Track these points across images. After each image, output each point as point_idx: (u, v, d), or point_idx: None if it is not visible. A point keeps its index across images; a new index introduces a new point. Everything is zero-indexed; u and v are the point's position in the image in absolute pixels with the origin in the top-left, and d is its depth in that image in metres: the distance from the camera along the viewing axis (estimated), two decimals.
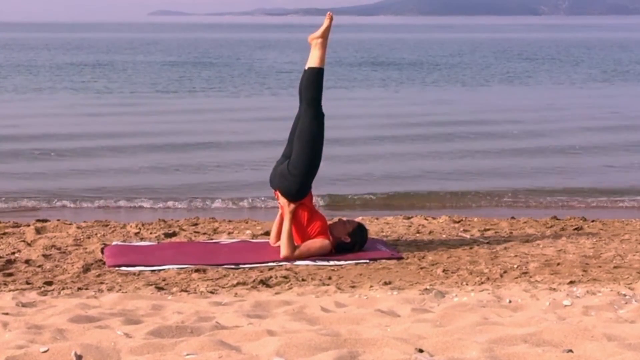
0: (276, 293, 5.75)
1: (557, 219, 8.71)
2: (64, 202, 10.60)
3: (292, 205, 6.89)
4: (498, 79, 31.55)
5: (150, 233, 7.81)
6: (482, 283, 6.02)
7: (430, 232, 7.99)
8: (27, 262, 6.66)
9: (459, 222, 8.54)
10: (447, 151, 14.72)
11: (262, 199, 10.67)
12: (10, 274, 6.29)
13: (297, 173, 6.89)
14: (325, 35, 7.07)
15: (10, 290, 5.74)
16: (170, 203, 10.67)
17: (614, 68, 37.15)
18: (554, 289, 5.74)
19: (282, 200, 6.94)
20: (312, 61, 7.05)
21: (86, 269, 6.45)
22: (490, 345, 4.03)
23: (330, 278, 6.28)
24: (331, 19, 7.13)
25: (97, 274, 6.35)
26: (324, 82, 7.08)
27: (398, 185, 11.88)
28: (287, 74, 33.25)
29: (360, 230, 7.10)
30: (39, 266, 6.54)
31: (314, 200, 7.29)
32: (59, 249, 7.10)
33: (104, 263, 6.66)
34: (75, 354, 3.85)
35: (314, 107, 6.98)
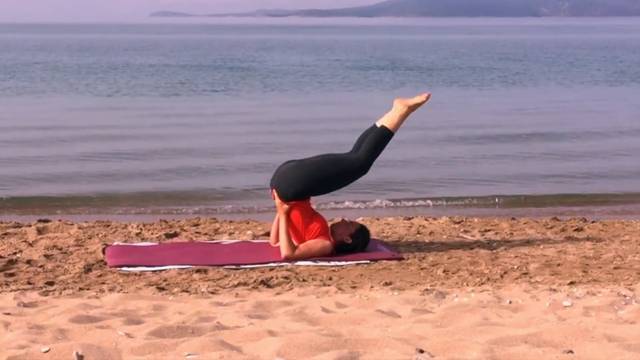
0: (277, 293, 5.76)
1: (558, 220, 8.72)
2: (66, 202, 10.60)
3: (286, 206, 6.89)
4: (500, 81, 31.57)
5: (152, 233, 7.82)
6: (482, 284, 6.03)
7: (430, 233, 8.00)
8: (28, 262, 6.67)
9: (459, 222, 8.55)
10: (446, 153, 14.74)
11: (263, 199, 10.67)
12: (12, 274, 6.31)
13: (303, 174, 6.86)
14: (413, 108, 7.01)
15: (11, 291, 5.75)
16: (171, 203, 10.68)
17: (621, 70, 37.14)
18: (554, 289, 5.75)
19: (277, 200, 6.94)
20: (388, 122, 6.98)
21: (87, 269, 6.47)
22: (490, 345, 4.04)
23: (331, 279, 6.29)
24: (427, 99, 7.03)
25: (98, 274, 6.36)
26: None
27: (399, 185, 11.90)
28: (292, 75, 33.25)
29: (362, 232, 7.10)
30: (41, 266, 6.55)
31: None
32: (61, 249, 7.12)
33: (105, 263, 6.67)
34: (77, 354, 3.86)
35: (366, 158, 6.92)
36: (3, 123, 18.33)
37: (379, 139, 6.94)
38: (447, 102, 23.55)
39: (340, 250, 6.97)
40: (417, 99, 7.02)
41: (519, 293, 5.61)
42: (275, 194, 6.94)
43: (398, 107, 7.00)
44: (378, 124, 7.01)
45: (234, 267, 6.60)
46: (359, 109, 21.15)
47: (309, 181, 6.87)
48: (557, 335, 4.23)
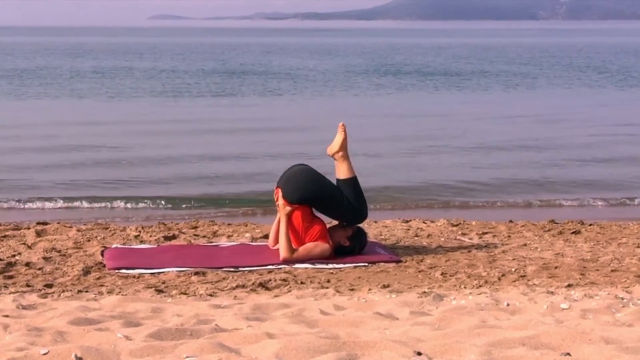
0: (275, 296, 5.77)
1: (555, 223, 8.73)
2: (65, 205, 10.61)
3: (288, 208, 6.90)
4: (500, 85, 31.60)
5: (150, 236, 7.83)
6: (480, 286, 6.04)
7: (428, 236, 8.01)
8: (27, 264, 6.68)
9: (457, 225, 8.57)
10: (445, 156, 14.76)
11: (262, 202, 10.68)
12: (11, 277, 6.32)
13: (312, 185, 6.91)
14: (344, 147, 7.14)
15: (10, 293, 5.76)
16: (170, 206, 10.68)
17: (623, 74, 37.14)
18: (552, 292, 5.76)
19: (280, 201, 6.95)
20: (342, 174, 7.13)
21: (86, 271, 6.47)
22: (488, 348, 4.05)
23: (329, 281, 6.30)
24: (344, 131, 7.15)
25: (97, 276, 6.37)
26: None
27: (398, 187, 11.92)
28: (292, 79, 33.24)
29: (359, 234, 7.12)
30: (39, 269, 6.56)
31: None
32: (59, 251, 7.12)
33: (104, 266, 6.68)
34: (76, 356, 3.87)
35: (358, 208, 7.07)
36: (3, 125, 18.33)
37: (351, 190, 7.08)
38: (447, 106, 23.60)
39: (338, 252, 6.98)
40: (339, 139, 7.14)
41: (517, 295, 5.62)
42: (280, 194, 6.95)
43: (337, 158, 7.16)
44: (338, 178, 7.15)
45: (232, 269, 6.61)
46: (359, 112, 21.19)
47: (310, 194, 6.92)
48: (554, 337, 4.24)
